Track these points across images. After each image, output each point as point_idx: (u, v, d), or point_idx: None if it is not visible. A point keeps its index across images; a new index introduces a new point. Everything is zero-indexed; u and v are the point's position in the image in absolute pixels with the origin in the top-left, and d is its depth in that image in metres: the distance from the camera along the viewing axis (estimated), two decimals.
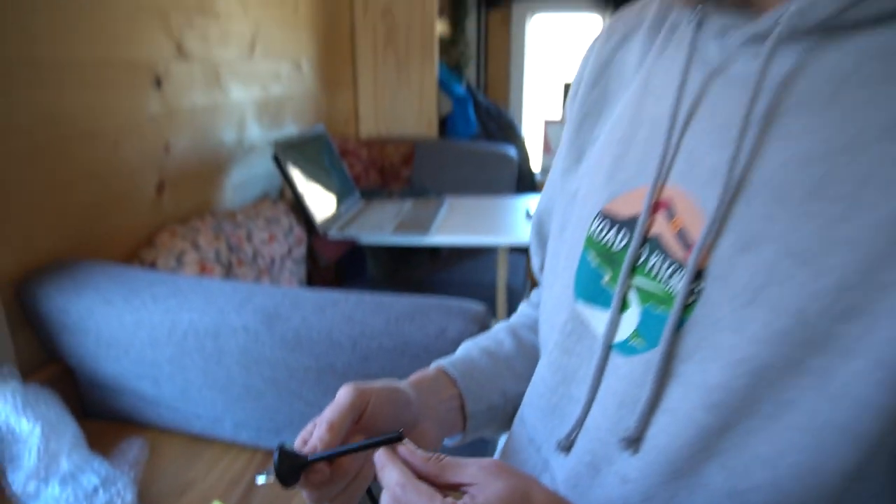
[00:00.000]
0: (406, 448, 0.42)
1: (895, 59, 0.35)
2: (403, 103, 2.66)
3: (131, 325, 1.01)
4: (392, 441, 0.42)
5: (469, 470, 0.40)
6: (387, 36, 2.59)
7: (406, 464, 0.41)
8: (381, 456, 0.42)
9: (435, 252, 2.21)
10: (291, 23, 2.08)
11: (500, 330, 0.72)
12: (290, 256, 1.61)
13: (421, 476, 0.40)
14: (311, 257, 1.74)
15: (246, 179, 1.82)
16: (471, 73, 3.14)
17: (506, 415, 0.65)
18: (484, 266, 2.19)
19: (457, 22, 2.95)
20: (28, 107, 1.07)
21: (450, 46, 3.02)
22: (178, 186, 1.49)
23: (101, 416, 1.13)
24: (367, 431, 0.49)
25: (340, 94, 2.57)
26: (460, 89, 2.78)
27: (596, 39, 0.61)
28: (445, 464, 0.41)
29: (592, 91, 0.59)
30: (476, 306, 1.01)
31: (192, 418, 1.07)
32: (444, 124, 2.80)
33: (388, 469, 0.41)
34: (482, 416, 0.63)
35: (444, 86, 2.73)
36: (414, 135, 2.67)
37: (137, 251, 1.31)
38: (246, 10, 1.77)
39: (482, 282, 2.06)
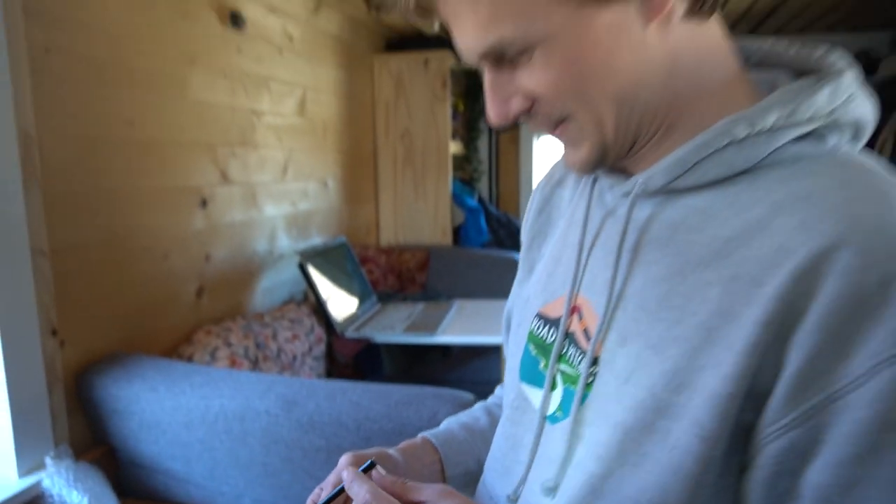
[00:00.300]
0: (376, 472, 0.57)
1: (704, 215, 0.53)
2: (420, 214, 2.92)
3: (170, 409, 1.18)
4: (367, 469, 0.58)
5: (426, 491, 0.55)
6: (405, 155, 2.89)
7: (377, 483, 0.56)
8: (348, 474, 0.57)
9: (446, 350, 2.36)
10: (320, 147, 2.37)
11: (477, 408, 0.87)
12: (311, 354, 1.79)
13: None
14: (331, 355, 1.91)
15: (274, 285, 2.03)
16: (483, 186, 3.42)
17: (480, 478, 0.79)
18: (493, 364, 2.33)
19: (469, 142, 3.27)
20: (100, 229, 1.31)
21: (464, 163, 3.32)
22: (215, 291, 1.71)
23: (136, 494, 1.27)
24: None
25: (363, 207, 2.83)
26: (472, 201, 3.04)
27: (541, 180, 0.80)
28: (408, 486, 0.56)
29: (538, 219, 0.77)
30: (465, 395, 1.16)
31: (216, 496, 1.21)
32: (458, 233, 3.04)
33: (356, 484, 0.55)
34: (459, 480, 0.77)
35: (457, 198, 2.99)
36: (429, 243, 2.90)
37: (177, 347, 1.50)
38: (280, 140, 2.05)
39: (489, 379, 2.19)
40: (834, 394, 0.42)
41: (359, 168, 2.77)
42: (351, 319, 2.01)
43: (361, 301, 2.18)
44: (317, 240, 2.33)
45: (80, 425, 1.27)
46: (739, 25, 2.77)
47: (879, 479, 0.40)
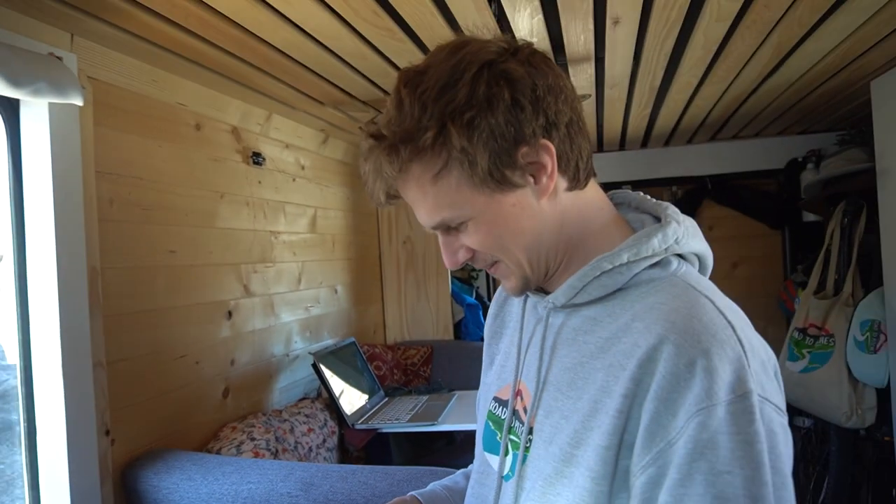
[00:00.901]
0: None
1: (593, 322, 0.75)
2: (423, 313, 3.16)
3: (205, 495, 1.38)
4: None
5: None
6: (407, 260, 3.18)
7: None
8: None
9: (451, 438, 2.53)
10: (329, 257, 2.66)
11: (458, 474, 1.08)
12: (325, 445, 1.98)
13: None
14: (343, 446, 2.10)
15: (290, 383, 2.25)
16: (481, 282, 3.69)
17: None
18: None
19: None
20: (145, 342, 1.56)
21: None
22: (239, 391, 1.93)
23: None
24: None
25: (370, 308, 3.09)
26: (471, 299, 3.30)
27: (497, 292, 1.05)
28: None
29: (494, 322, 1.01)
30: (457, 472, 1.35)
31: None
32: (459, 328, 3.27)
33: None
34: None
35: (456, 297, 3.24)
36: (432, 338, 3.13)
37: (206, 443, 1.71)
38: (295, 255, 2.34)
39: None
40: (668, 441, 0.63)
41: (365, 273, 3.05)
42: (360, 412, 2.21)
43: (370, 395, 2.38)
44: (328, 341, 2.56)
45: None
46: (698, 135, 3.11)
47: (695, 493, 0.61)
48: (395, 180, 0.71)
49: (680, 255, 0.75)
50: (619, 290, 0.74)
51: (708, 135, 3.12)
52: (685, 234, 0.75)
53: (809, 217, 3.03)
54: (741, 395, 0.60)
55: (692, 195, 3.39)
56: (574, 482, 0.68)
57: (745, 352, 0.63)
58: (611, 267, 0.73)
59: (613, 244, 0.74)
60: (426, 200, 0.72)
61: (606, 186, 0.83)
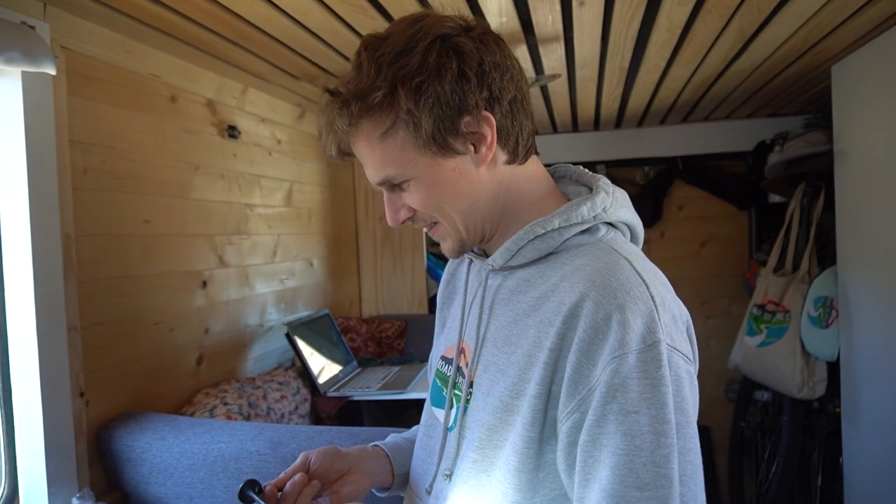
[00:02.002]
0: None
1: (527, 283, 0.81)
2: (398, 287, 3.22)
3: (177, 454, 1.43)
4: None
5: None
6: (384, 235, 3.22)
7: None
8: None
9: (421, 407, 2.61)
10: (305, 231, 2.70)
11: (415, 428, 1.14)
12: (297, 412, 2.04)
13: None
14: (316, 413, 2.16)
15: (264, 353, 2.30)
16: None
17: None
18: None
19: None
20: (120, 308, 1.60)
21: None
22: (213, 359, 1.98)
23: None
24: (317, 476, 0.91)
25: (346, 282, 3.14)
26: None
27: (449, 261, 1.11)
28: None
29: (446, 289, 1.07)
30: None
31: None
32: (433, 302, 3.33)
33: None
34: (403, 477, 1.02)
35: (431, 272, 3.30)
36: (407, 312, 3.19)
37: (180, 407, 1.76)
38: (270, 227, 2.38)
39: None
40: (589, 388, 0.69)
41: (342, 248, 3.09)
42: (333, 381, 2.27)
43: (343, 365, 2.44)
44: (303, 312, 2.62)
45: (99, 473, 1.52)
46: (670, 117, 3.18)
47: (608, 432, 0.67)
48: (347, 135, 0.77)
49: (610, 224, 0.82)
50: (551, 254, 0.80)
51: (680, 116, 3.19)
52: (613, 203, 0.82)
53: (775, 198, 3.12)
54: (651, 345, 0.67)
55: (664, 175, 3.47)
56: (514, 429, 0.74)
57: (656, 306, 0.70)
58: (543, 231, 0.79)
59: (548, 213, 0.81)
60: (374, 156, 0.78)
61: (582, 166, 0.90)
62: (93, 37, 1.51)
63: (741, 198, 3.36)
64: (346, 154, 0.82)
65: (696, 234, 3.49)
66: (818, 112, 2.86)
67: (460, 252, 0.86)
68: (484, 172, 0.80)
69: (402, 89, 0.72)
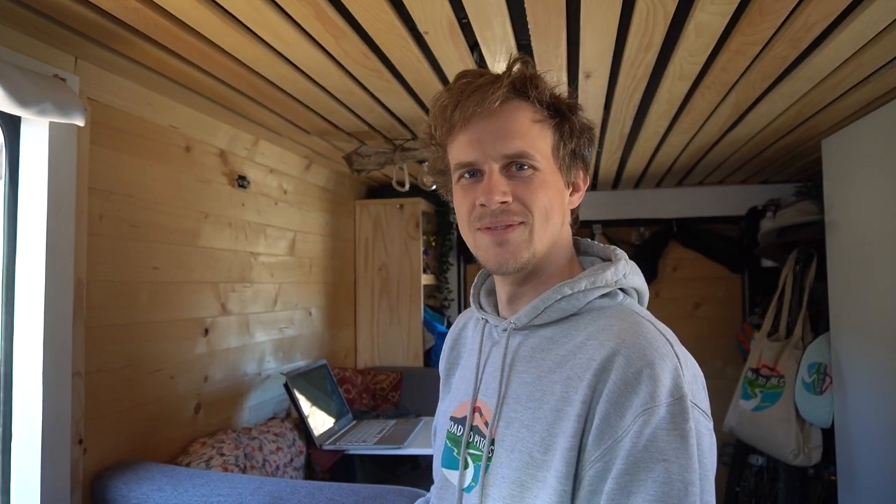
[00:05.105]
0: None
1: (550, 342, 0.85)
2: (394, 339, 3.22)
3: None
4: None
5: None
6: (382, 286, 3.25)
7: None
8: None
9: (415, 463, 2.58)
10: (306, 280, 2.72)
11: (427, 496, 1.14)
12: (292, 465, 2.02)
13: None
14: (310, 466, 2.13)
15: (261, 402, 2.29)
16: (453, 312, 3.76)
17: None
18: None
19: (440, 273, 3.65)
20: (123, 354, 1.61)
21: (435, 292, 3.67)
22: (211, 407, 1.97)
23: None
24: None
25: (343, 332, 3.14)
26: (442, 327, 3.36)
27: (452, 327, 1.13)
28: None
29: (451, 354, 1.09)
30: (422, 492, 1.41)
31: None
32: (429, 356, 3.32)
33: None
34: None
35: (428, 325, 3.31)
36: (402, 365, 3.18)
37: (176, 456, 1.74)
38: (272, 276, 2.40)
39: None
40: (616, 438, 0.72)
41: (340, 298, 3.11)
42: (328, 434, 2.25)
43: (338, 417, 2.42)
44: (300, 362, 2.61)
45: None
46: (666, 180, 3.27)
47: (640, 479, 0.69)
48: (508, 100, 0.82)
49: (623, 290, 0.87)
50: (573, 315, 0.84)
51: (675, 180, 3.28)
52: (630, 271, 0.88)
53: (767, 263, 3.18)
54: (678, 399, 0.71)
55: (659, 236, 3.53)
56: (547, 484, 0.76)
57: (680, 364, 0.75)
58: (571, 292, 0.83)
59: (573, 276, 0.86)
60: (520, 128, 0.82)
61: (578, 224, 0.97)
62: (119, 89, 1.57)
63: (734, 261, 3.42)
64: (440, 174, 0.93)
65: (691, 295, 3.54)
66: (808, 181, 2.95)
67: (514, 267, 0.84)
68: (566, 213, 0.88)
69: (572, 115, 0.86)
